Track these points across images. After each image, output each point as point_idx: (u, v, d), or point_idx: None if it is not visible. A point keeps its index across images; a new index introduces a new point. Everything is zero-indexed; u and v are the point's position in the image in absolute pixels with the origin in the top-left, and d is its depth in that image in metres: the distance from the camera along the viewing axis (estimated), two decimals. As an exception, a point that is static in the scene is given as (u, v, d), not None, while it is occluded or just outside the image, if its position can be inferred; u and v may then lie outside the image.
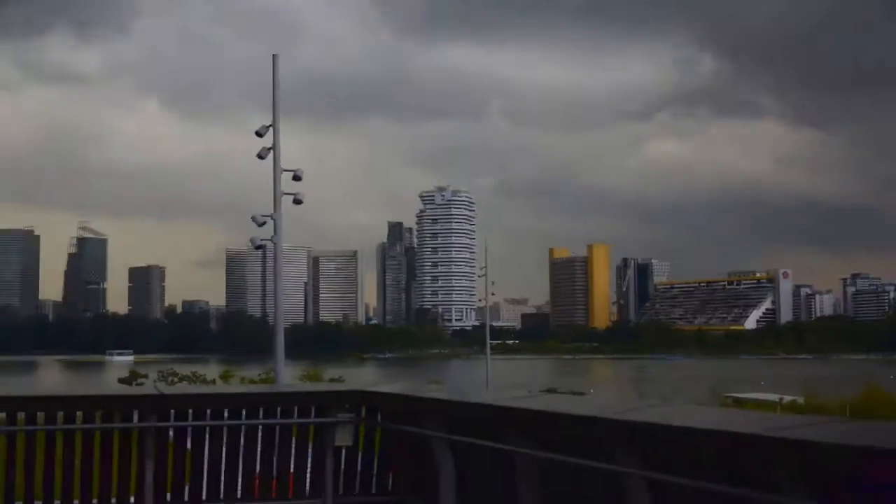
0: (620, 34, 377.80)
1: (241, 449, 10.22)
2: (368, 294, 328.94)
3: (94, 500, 9.90)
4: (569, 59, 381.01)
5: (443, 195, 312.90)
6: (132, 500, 9.95)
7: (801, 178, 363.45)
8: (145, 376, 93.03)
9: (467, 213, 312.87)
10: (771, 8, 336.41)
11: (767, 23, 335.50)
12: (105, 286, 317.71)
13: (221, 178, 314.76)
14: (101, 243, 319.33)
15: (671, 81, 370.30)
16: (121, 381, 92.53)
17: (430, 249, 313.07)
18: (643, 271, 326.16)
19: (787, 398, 66.53)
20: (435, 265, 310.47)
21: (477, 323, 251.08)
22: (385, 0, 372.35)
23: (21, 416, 9.82)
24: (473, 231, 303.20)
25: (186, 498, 10.16)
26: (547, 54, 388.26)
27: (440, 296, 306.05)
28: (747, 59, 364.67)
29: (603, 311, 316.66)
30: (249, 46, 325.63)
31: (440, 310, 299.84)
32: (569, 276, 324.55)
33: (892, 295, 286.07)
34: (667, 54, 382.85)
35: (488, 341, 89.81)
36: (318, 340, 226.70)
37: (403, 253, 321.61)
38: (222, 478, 10.17)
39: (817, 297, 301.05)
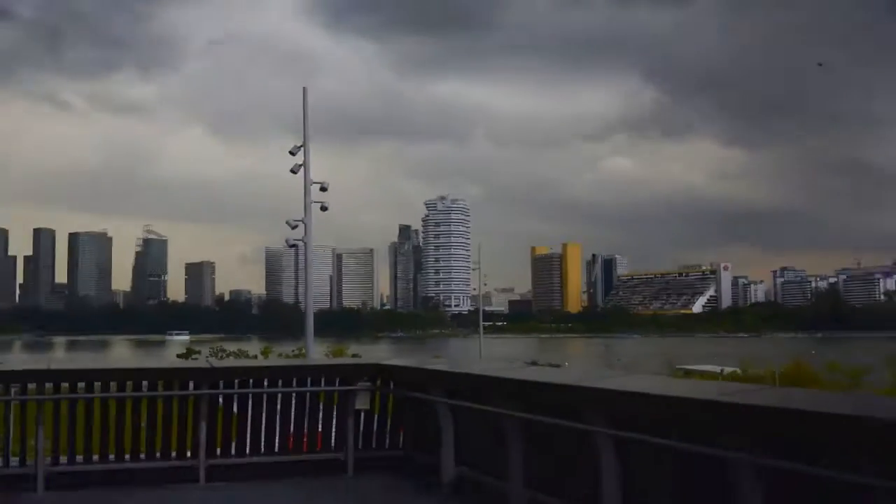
0: (579, 71, 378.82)
1: (278, 412, 10.26)
2: (382, 284, 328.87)
3: (158, 454, 9.94)
4: (538, 92, 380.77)
5: (443, 203, 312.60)
6: (188, 454, 9.97)
7: (734, 188, 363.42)
8: (199, 352, 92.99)
9: (463, 217, 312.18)
10: (702, 48, 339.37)
11: (700, 60, 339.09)
12: (165, 278, 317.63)
13: (260, 190, 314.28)
14: (162, 243, 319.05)
15: (622, 110, 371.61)
16: (179, 356, 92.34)
17: (433, 247, 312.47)
18: (608, 265, 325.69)
19: (728, 369, 66.30)
20: (437, 260, 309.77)
21: (472, 308, 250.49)
22: (387, 46, 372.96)
23: (97, 385, 9.85)
24: (468, 232, 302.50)
25: (233, 452, 10.20)
26: (520, 88, 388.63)
27: (441, 285, 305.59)
28: (685, 90, 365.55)
29: (575, 297, 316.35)
30: (277, 82, 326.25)
31: (441, 297, 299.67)
32: (547, 269, 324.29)
33: (813, 285, 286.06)
34: (617, 88, 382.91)
35: (481, 323, 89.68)
36: (341, 322, 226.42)
37: (411, 250, 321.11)
38: (262, 436, 10.21)
39: (752, 286, 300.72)
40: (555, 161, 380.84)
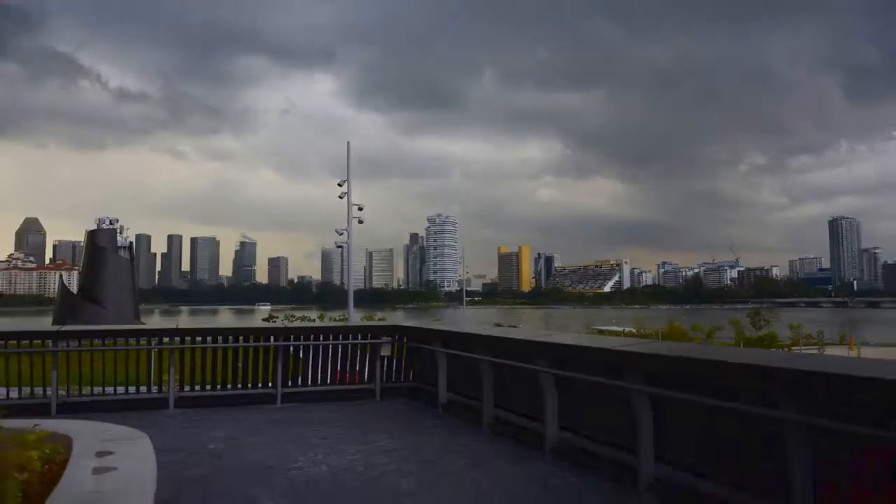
0: (519, 133, 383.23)
1: (330, 357, 10.25)
2: (398, 272, 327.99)
3: (249, 385, 9.96)
4: (493, 146, 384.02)
5: (439, 218, 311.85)
6: (270, 385, 9.98)
7: (628, 209, 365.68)
8: (277, 317, 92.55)
9: (453, 227, 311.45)
10: (599, 117, 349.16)
11: (598, 126, 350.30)
12: (255, 268, 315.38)
13: (316, 209, 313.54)
14: (253, 244, 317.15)
15: (548, 159, 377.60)
16: (264, 320, 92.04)
17: (433, 247, 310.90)
18: (549, 260, 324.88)
19: (627, 329, 66.49)
20: (436, 256, 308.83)
21: (458, 288, 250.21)
22: (392, 116, 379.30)
23: (209, 338, 9.86)
24: (456, 237, 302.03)
25: (300, 383, 10.18)
26: (481, 143, 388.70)
27: (438, 273, 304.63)
28: (588, 146, 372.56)
29: (527, 281, 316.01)
30: (321, 139, 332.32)
31: (438, 280, 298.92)
32: (508, 262, 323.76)
33: (683, 273, 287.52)
34: (544, 144, 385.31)
35: (464, 298, 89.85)
36: (371, 297, 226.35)
37: (418, 249, 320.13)
38: (319, 373, 10.20)
39: (643, 274, 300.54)
40: (508, 191, 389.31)
